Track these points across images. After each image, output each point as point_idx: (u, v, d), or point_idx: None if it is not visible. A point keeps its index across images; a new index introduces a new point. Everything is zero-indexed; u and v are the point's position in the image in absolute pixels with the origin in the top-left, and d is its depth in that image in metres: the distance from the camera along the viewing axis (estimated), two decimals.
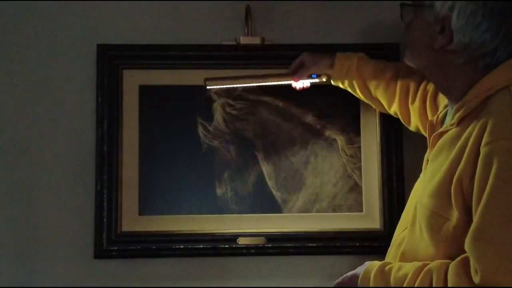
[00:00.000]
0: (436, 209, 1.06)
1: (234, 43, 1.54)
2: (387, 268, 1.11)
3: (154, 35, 1.57)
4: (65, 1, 1.57)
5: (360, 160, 1.56)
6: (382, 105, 1.44)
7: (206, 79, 1.44)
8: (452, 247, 1.04)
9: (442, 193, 1.04)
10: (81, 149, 1.55)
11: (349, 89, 1.46)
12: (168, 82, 1.57)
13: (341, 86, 1.46)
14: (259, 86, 1.54)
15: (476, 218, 0.97)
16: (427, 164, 1.17)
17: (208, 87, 1.46)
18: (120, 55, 1.55)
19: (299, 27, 1.59)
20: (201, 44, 1.56)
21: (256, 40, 1.52)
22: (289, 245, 1.53)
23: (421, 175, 1.22)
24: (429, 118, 1.33)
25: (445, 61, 1.09)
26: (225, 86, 1.50)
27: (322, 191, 1.56)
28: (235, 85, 1.50)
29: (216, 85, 1.46)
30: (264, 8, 1.58)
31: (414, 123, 1.40)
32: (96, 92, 1.54)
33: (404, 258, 1.14)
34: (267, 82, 1.47)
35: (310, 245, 1.53)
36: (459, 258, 1.00)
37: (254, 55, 1.54)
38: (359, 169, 1.56)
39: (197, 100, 1.57)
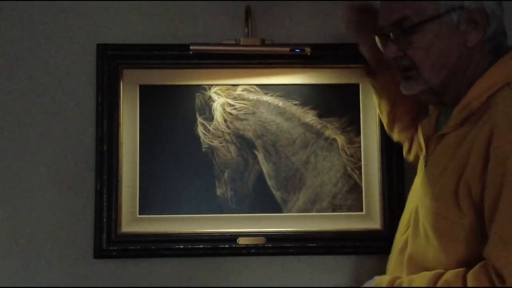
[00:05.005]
0: (443, 213, 1.04)
1: (234, 43, 1.54)
2: (396, 283, 1.09)
3: (154, 35, 1.57)
4: (65, 1, 1.57)
5: (360, 160, 1.56)
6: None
7: (191, 44, 1.49)
8: (464, 250, 1.02)
9: (448, 197, 1.02)
10: (81, 149, 1.55)
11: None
12: (168, 82, 1.57)
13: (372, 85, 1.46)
14: (259, 84, 1.57)
15: (495, 223, 0.95)
16: (425, 165, 1.15)
17: (192, 52, 1.49)
18: (120, 55, 1.55)
19: (299, 27, 1.59)
20: (202, 43, 1.56)
21: (256, 41, 1.52)
22: (289, 245, 1.53)
23: (417, 178, 1.20)
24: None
25: (473, 55, 1.06)
26: (208, 48, 1.52)
27: (322, 191, 1.56)
28: (218, 51, 1.53)
29: (200, 49, 1.50)
30: (264, 8, 1.58)
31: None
32: (96, 91, 1.54)
33: (412, 264, 1.12)
34: (246, 51, 1.51)
35: (310, 245, 1.53)
36: (478, 266, 0.97)
37: (254, 55, 1.54)
38: (359, 169, 1.56)
39: (197, 100, 1.57)
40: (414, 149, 1.36)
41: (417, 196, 1.16)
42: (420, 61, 1.08)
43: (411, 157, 1.42)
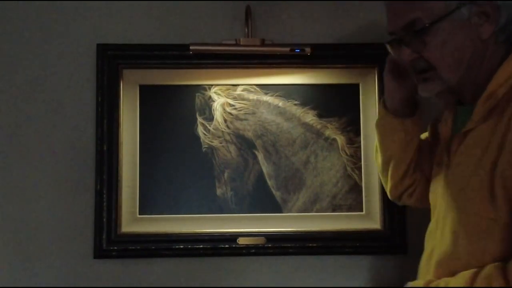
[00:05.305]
0: (479, 212, 1.01)
1: (234, 43, 1.54)
2: (432, 284, 1.06)
3: (154, 35, 1.57)
4: (65, 1, 1.57)
5: (360, 160, 1.56)
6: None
7: (191, 44, 1.50)
8: (499, 248, 1.00)
9: (483, 195, 1.00)
10: (81, 149, 1.55)
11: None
12: (168, 82, 1.57)
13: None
14: (259, 84, 1.57)
15: None
16: (446, 168, 1.12)
17: (192, 52, 1.50)
18: (120, 55, 1.55)
19: (299, 27, 1.59)
20: (202, 43, 1.56)
21: (256, 41, 1.52)
22: (289, 245, 1.53)
23: (437, 184, 1.17)
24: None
25: (487, 48, 1.05)
26: (208, 48, 1.52)
27: (322, 191, 1.56)
28: (218, 51, 1.53)
29: (200, 49, 1.51)
30: (264, 8, 1.58)
31: None
32: (96, 91, 1.54)
33: (440, 269, 1.08)
34: (246, 51, 1.51)
35: (310, 245, 1.53)
36: None
37: (254, 55, 1.54)
38: (359, 169, 1.56)
39: (197, 100, 1.57)
40: (421, 185, 1.33)
41: (441, 201, 1.13)
42: (437, 61, 1.06)
43: (411, 201, 1.37)
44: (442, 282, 1.05)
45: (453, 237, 1.06)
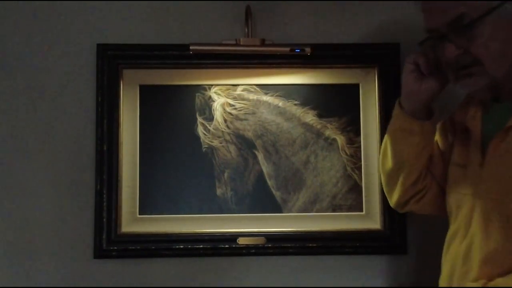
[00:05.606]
0: None
1: (234, 43, 1.54)
2: (490, 285, 1.04)
3: (154, 35, 1.57)
4: (65, 1, 1.57)
5: (360, 160, 1.56)
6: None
7: (191, 44, 1.49)
8: None
9: None
10: (81, 149, 1.55)
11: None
12: (168, 82, 1.57)
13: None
14: (259, 84, 1.57)
15: None
16: (479, 167, 1.11)
17: (192, 52, 1.50)
18: (120, 55, 1.55)
19: (299, 27, 1.59)
20: (202, 43, 1.56)
21: (256, 41, 1.52)
22: (289, 245, 1.53)
23: (463, 183, 1.15)
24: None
25: None
26: (208, 48, 1.52)
27: (322, 191, 1.56)
28: (218, 51, 1.53)
29: (200, 49, 1.51)
30: (264, 8, 1.58)
31: None
32: (96, 91, 1.54)
33: (490, 265, 1.06)
34: (243, 51, 1.51)
35: (310, 245, 1.53)
36: None
37: (254, 55, 1.54)
38: (359, 169, 1.56)
39: (197, 100, 1.57)
40: (432, 190, 1.31)
41: (475, 200, 1.11)
42: (483, 56, 1.06)
43: (418, 206, 1.34)
44: (501, 282, 1.03)
45: (505, 233, 1.04)
